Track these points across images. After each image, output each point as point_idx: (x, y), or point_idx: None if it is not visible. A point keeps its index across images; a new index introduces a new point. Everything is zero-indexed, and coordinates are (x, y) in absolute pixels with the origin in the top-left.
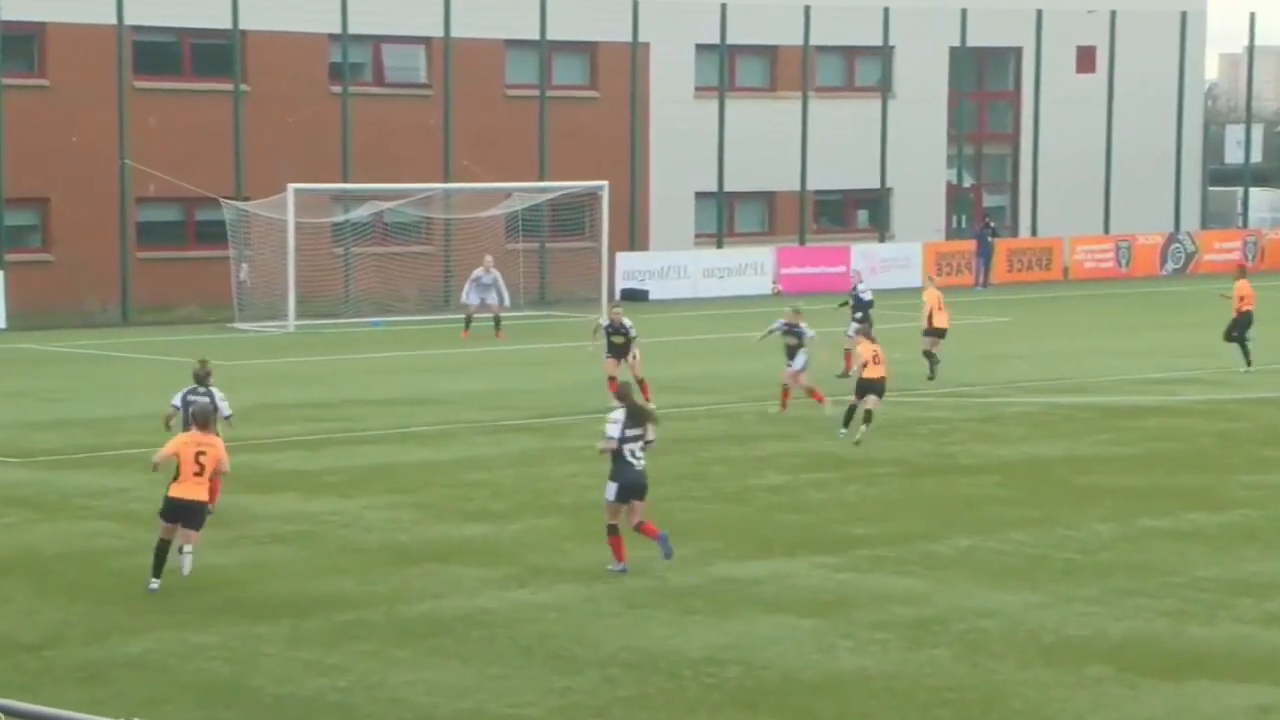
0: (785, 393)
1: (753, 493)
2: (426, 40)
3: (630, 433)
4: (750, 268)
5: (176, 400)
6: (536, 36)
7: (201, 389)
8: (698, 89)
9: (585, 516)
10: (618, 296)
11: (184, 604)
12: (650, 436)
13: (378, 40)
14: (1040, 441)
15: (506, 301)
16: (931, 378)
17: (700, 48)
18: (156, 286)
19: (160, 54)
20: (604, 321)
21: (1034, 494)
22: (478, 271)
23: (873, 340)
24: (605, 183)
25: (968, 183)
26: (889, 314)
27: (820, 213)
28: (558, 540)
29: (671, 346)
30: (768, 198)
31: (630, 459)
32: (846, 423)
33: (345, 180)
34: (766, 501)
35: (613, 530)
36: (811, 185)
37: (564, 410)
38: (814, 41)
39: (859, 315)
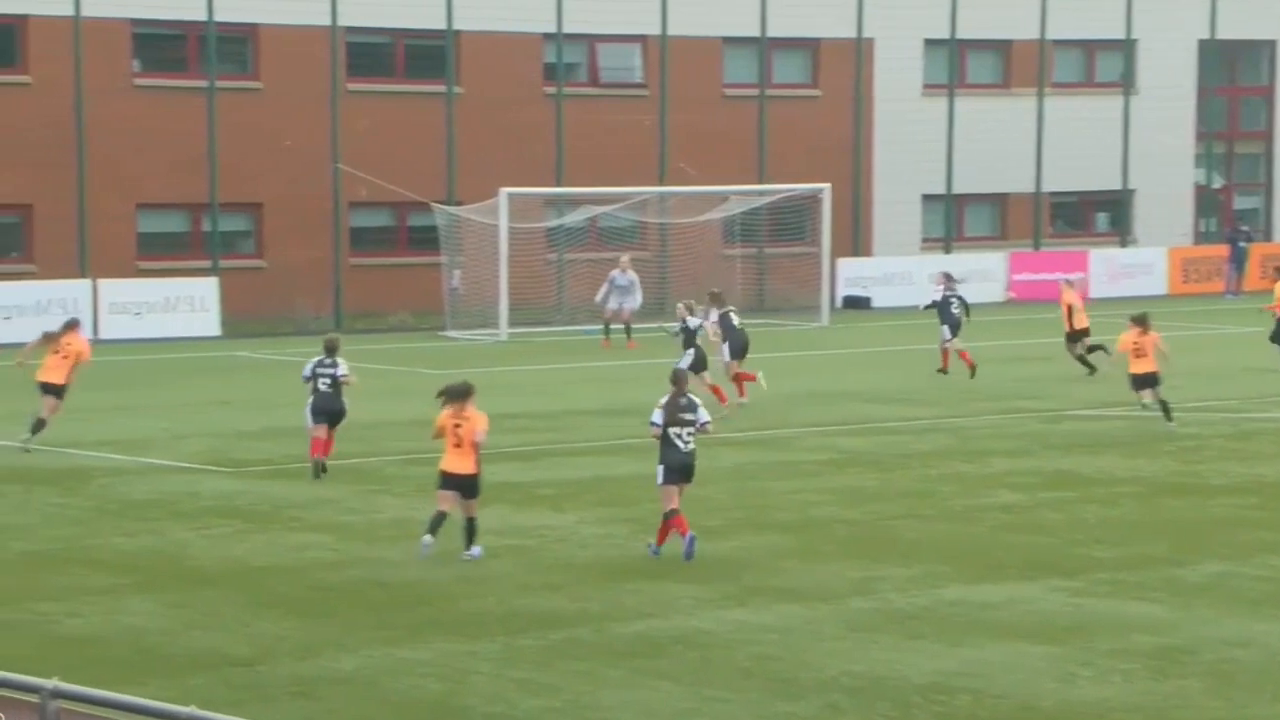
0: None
1: (983, 512)
2: (642, 39)
3: (681, 417)
4: (980, 274)
5: (308, 370)
6: (756, 33)
7: (328, 360)
8: (925, 86)
9: (807, 534)
10: (839, 304)
11: (396, 619)
12: (704, 419)
13: (592, 39)
14: None
15: (639, 306)
16: (1093, 371)
17: (928, 43)
18: (368, 293)
19: (373, 55)
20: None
21: None
22: (614, 273)
23: (1145, 329)
24: (827, 185)
25: (1217, 184)
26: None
27: (1056, 216)
28: (776, 558)
29: (894, 356)
30: (1000, 200)
31: (678, 442)
32: (1167, 415)
33: (558, 184)
34: (998, 521)
35: (672, 514)
36: (1047, 187)
37: (781, 422)
38: (1050, 35)
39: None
